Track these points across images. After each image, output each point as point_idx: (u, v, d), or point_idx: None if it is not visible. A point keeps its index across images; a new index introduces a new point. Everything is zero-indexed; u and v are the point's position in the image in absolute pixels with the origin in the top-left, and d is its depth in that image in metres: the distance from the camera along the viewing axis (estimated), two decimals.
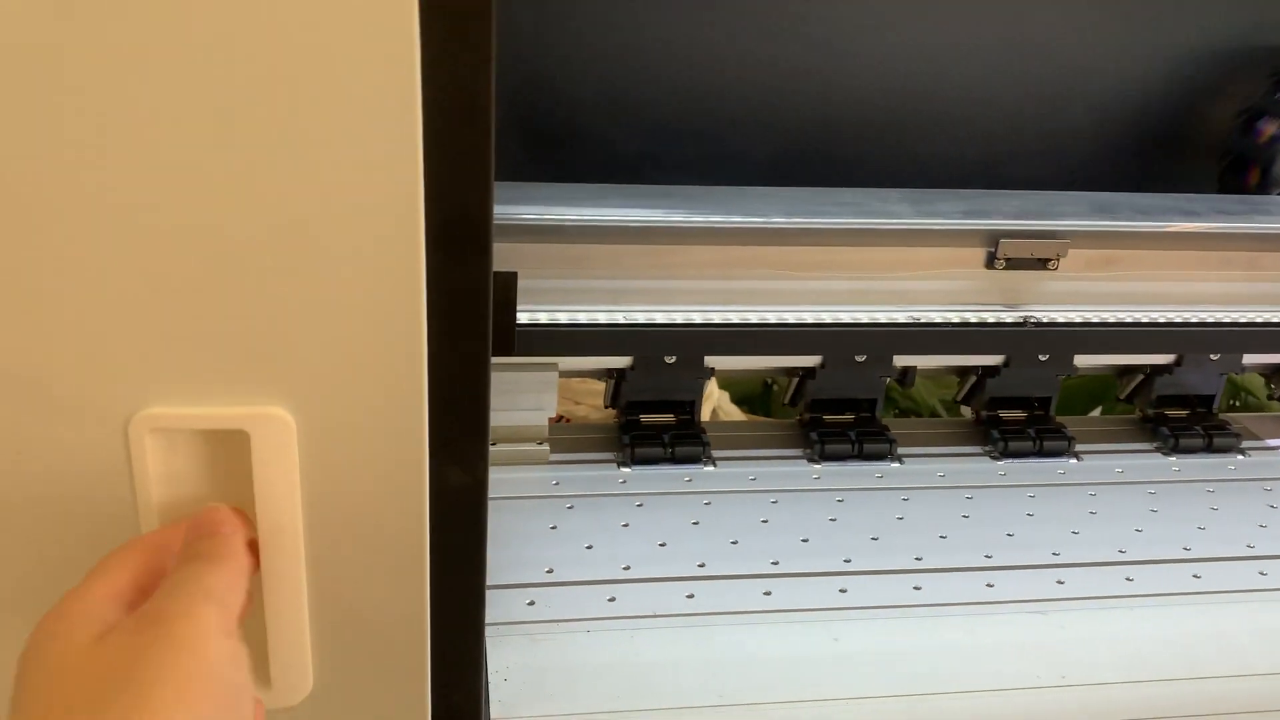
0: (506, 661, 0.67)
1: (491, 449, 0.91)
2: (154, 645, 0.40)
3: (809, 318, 0.91)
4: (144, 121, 0.42)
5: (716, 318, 0.91)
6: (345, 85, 0.43)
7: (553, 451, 0.91)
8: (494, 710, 0.64)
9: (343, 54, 0.42)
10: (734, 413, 1.20)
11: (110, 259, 0.44)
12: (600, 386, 0.98)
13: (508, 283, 0.54)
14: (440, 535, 0.56)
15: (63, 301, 0.45)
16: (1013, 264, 0.92)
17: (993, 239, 0.91)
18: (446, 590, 0.57)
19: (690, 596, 0.75)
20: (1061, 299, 0.94)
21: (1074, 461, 0.95)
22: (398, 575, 0.55)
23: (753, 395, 1.32)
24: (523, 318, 0.86)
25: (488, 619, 0.61)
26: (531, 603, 0.74)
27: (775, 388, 1.34)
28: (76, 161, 0.42)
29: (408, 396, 0.50)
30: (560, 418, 1.10)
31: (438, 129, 0.47)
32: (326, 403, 0.49)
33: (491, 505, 0.56)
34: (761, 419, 1.19)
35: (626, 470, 0.90)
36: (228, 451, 0.49)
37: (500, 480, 0.87)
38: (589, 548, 0.80)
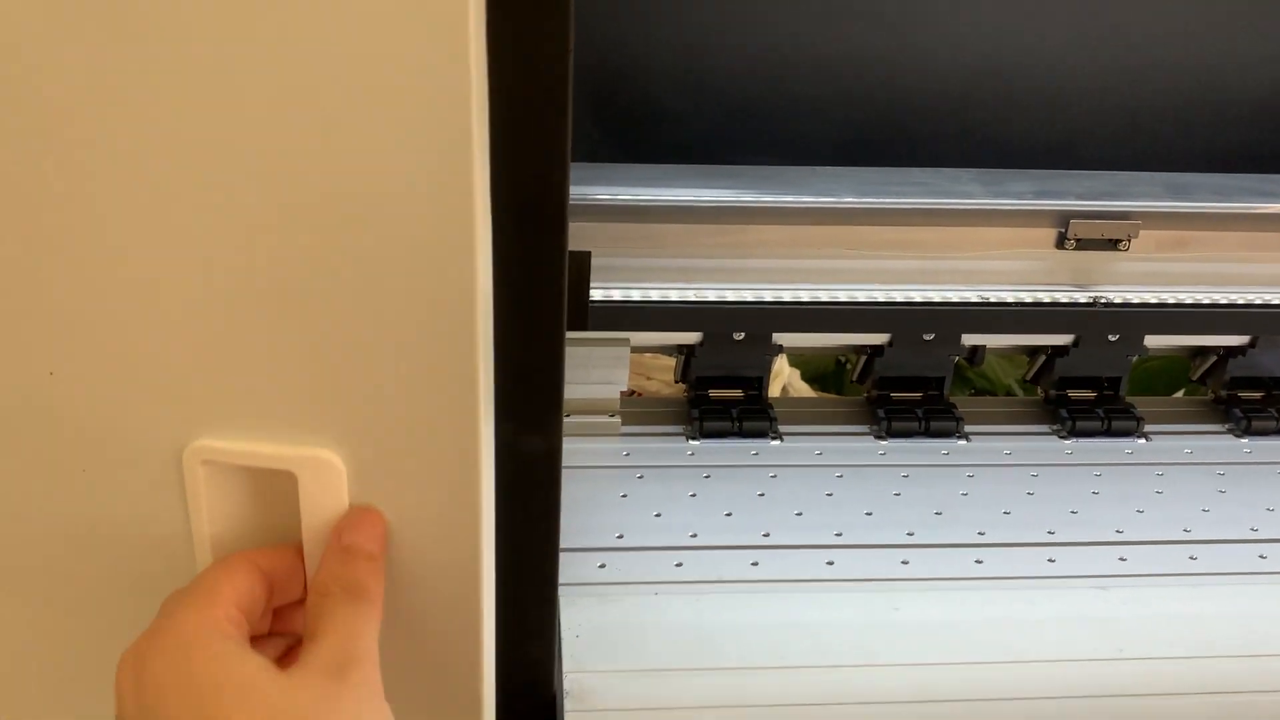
0: (578, 620, 0.71)
1: (565, 420, 0.95)
2: (349, 695, 0.42)
3: (878, 296, 0.93)
4: (201, 155, 0.41)
5: (786, 295, 0.93)
6: (405, 135, 0.42)
7: (624, 424, 0.94)
8: (566, 664, 0.67)
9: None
10: (804, 390, 1.22)
11: (165, 288, 0.44)
12: (671, 362, 1.01)
13: (582, 261, 0.57)
14: (516, 499, 0.59)
15: (122, 329, 0.45)
16: (1083, 244, 0.92)
17: (1063, 219, 0.92)
18: (523, 550, 0.60)
19: (755, 564, 0.78)
20: (1133, 279, 0.94)
21: (1142, 442, 0.96)
22: (453, 616, 0.54)
23: (825, 373, 1.34)
24: (596, 294, 0.90)
25: (561, 580, 0.64)
26: (603, 565, 0.77)
27: (848, 366, 1.35)
28: (131, 193, 0.42)
29: (462, 448, 0.48)
30: (631, 393, 1.14)
31: (515, 110, 0.50)
32: (378, 447, 0.48)
33: (565, 473, 0.59)
34: (828, 396, 1.20)
35: (695, 443, 0.93)
36: (278, 489, 0.49)
37: (573, 450, 0.91)
38: (658, 515, 0.83)
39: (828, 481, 0.89)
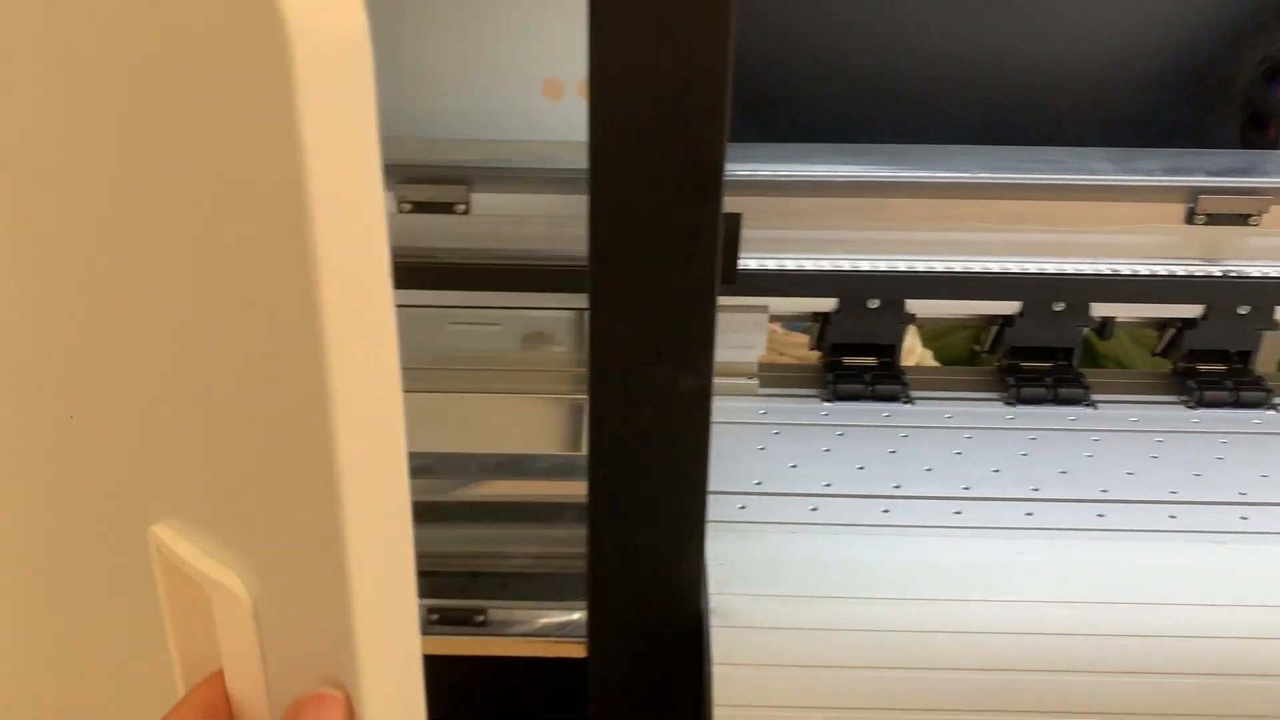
0: (721, 551, 0.78)
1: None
2: None
3: (1010, 267, 0.98)
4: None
5: (919, 266, 0.99)
6: None
7: (761, 386, 1.02)
8: (711, 587, 0.75)
9: None
10: None
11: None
12: (802, 339, 1.08)
13: (733, 223, 0.65)
14: (672, 432, 0.67)
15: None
16: (1213, 219, 0.95)
17: (1192, 195, 0.95)
18: (677, 479, 0.69)
19: (885, 511, 0.84)
20: (1263, 255, 0.97)
21: (1272, 413, 0.98)
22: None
23: (959, 359, 1.38)
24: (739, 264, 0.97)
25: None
26: (743, 507, 0.85)
27: (981, 355, 1.39)
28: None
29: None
30: None
31: (680, 84, 0.58)
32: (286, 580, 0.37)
33: None
34: (959, 367, 1.25)
35: (829, 405, 1.00)
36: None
37: (714, 407, 0.99)
38: (794, 466, 0.90)
39: (957, 441, 0.94)
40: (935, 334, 1.54)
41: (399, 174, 0.95)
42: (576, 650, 0.80)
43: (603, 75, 0.59)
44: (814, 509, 0.85)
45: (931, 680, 0.70)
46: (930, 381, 1.03)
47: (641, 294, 0.63)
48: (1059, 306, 0.99)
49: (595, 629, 0.75)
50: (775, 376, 1.04)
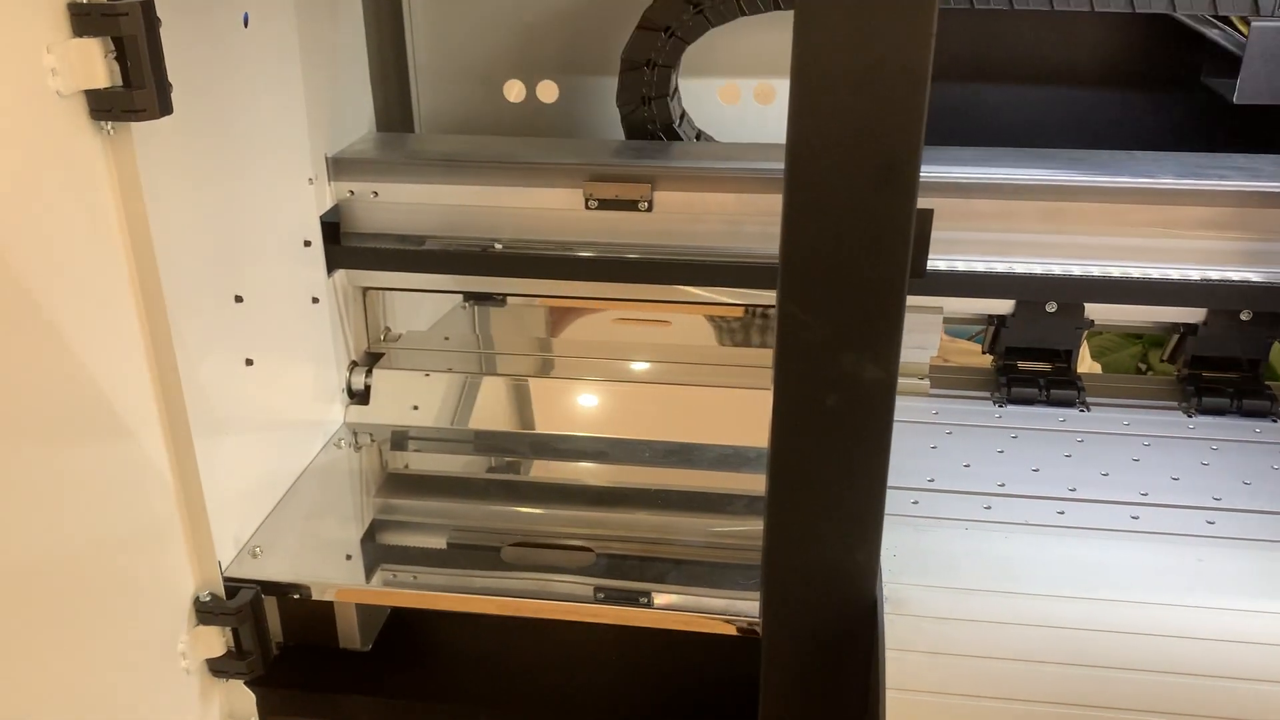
0: (895, 542, 0.80)
1: None
2: None
3: (1193, 275, 0.96)
4: None
5: (1096, 271, 0.98)
6: None
7: (932, 387, 1.02)
8: (884, 576, 0.77)
9: None
10: None
11: None
12: (967, 345, 1.08)
13: (925, 218, 0.67)
14: (855, 420, 0.70)
15: None
16: None
17: None
18: (857, 467, 0.71)
19: (1061, 513, 0.84)
20: None
21: None
22: None
23: (1126, 373, 1.35)
24: None
25: None
26: (915, 502, 0.86)
27: (1148, 372, 1.36)
28: None
29: None
30: None
31: (880, 83, 0.60)
32: None
33: None
34: (1135, 375, 1.23)
35: (1002, 408, 1.00)
36: None
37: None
38: (966, 466, 0.91)
39: (1134, 448, 0.93)
40: (1102, 349, 1.52)
41: (587, 173, 1.00)
42: (723, 628, 0.82)
43: (806, 73, 0.62)
44: (988, 507, 0.86)
45: (1108, 679, 0.70)
46: (1107, 388, 1.02)
47: (832, 284, 0.66)
48: (1246, 315, 0.97)
49: (770, 610, 0.77)
50: (947, 378, 1.04)
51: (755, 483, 1.00)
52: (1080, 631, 0.72)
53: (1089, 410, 0.99)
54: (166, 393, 0.76)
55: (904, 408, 0.99)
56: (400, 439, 1.08)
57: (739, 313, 1.13)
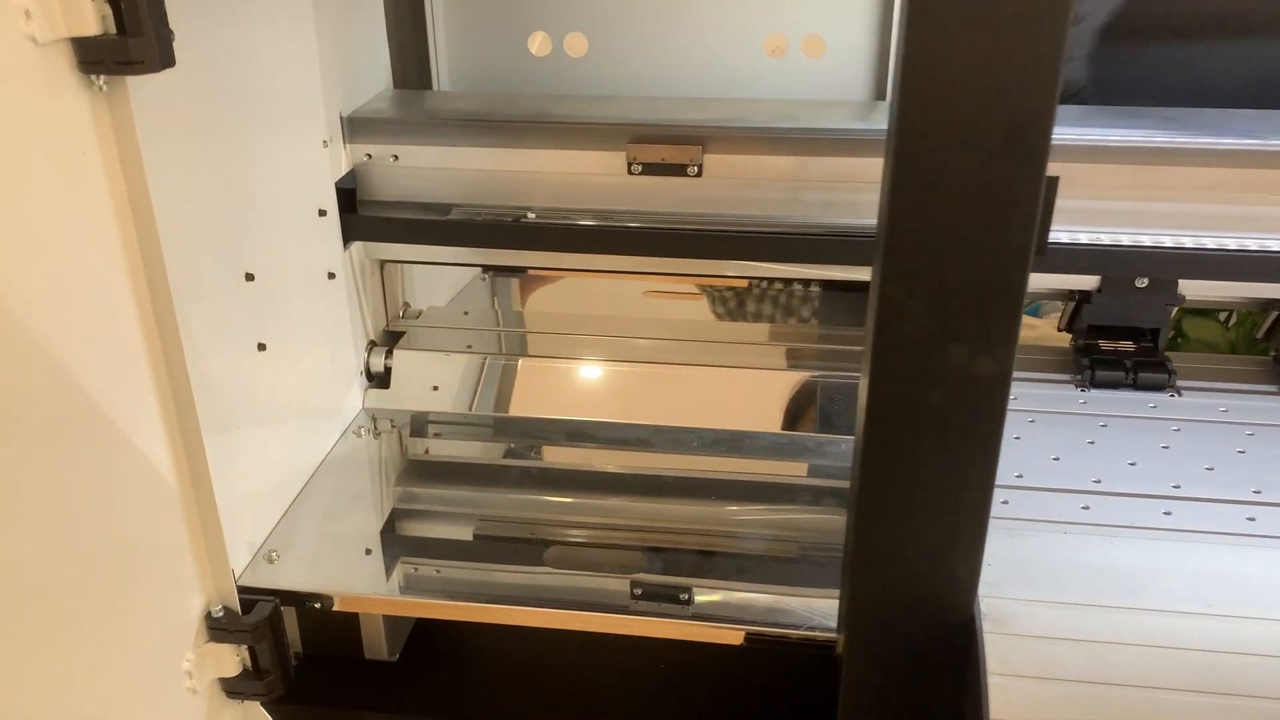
0: (989, 549, 0.71)
1: None
2: None
3: None
4: None
5: (1188, 241, 0.89)
6: None
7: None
8: (981, 589, 0.68)
9: None
10: None
11: None
12: (1035, 320, 0.99)
13: (1052, 186, 0.57)
14: (961, 420, 0.61)
15: None
16: None
17: None
18: (960, 470, 0.62)
19: (1167, 514, 0.76)
20: None
21: None
22: None
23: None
24: None
25: None
26: (1005, 502, 0.77)
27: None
28: None
29: None
30: None
31: (1011, 26, 0.51)
32: None
33: None
34: (1228, 354, 1.14)
35: (1085, 392, 0.91)
36: None
37: None
38: (1056, 459, 0.82)
39: (1237, 438, 0.85)
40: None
41: (630, 134, 0.90)
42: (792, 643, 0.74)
43: (918, 19, 0.52)
44: (1085, 507, 0.77)
45: (1242, 710, 0.62)
46: (1199, 370, 0.93)
47: (943, 263, 0.57)
48: None
49: (853, 625, 0.69)
50: (1023, 359, 0.95)
51: (816, 474, 0.91)
52: (1208, 653, 0.64)
53: (1181, 395, 0.90)
54: (173, 384, 0.67)
55: None
56: (423, 425, 0.99)
57: (795, 289, 1.04)
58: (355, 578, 0.79)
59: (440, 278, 1.22)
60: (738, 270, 0.94)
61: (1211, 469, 0.81)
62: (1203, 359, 0.98)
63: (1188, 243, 0.89)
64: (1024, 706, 0.63)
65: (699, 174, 0.90)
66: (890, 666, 0.70)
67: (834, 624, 0.74)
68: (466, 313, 1.15)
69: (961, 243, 0.57)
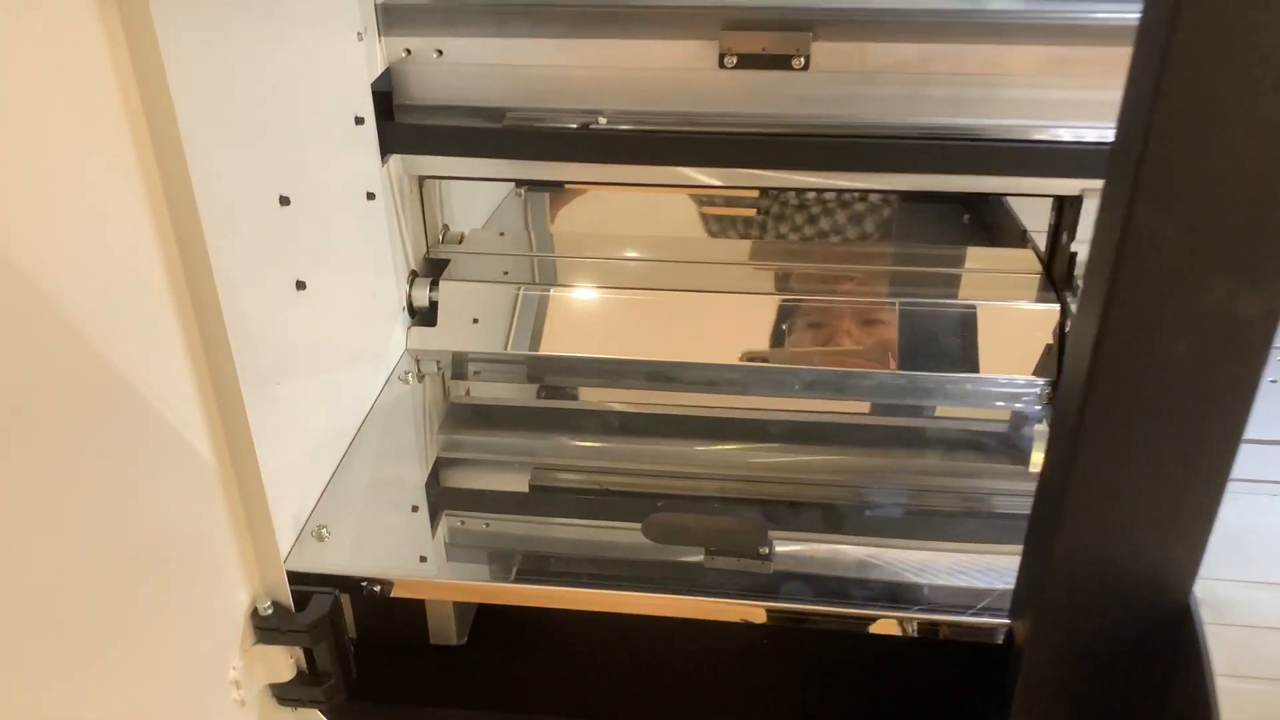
0: None
1: None
2: None
3: None
4: None
5: None
6: None
7: None
8: None
9: None
10: None
11: None
12: None
13: None
14: (1212, 372, 0.48)
15: None
16: None
17: None
18: (1212, 431, 0.50)
19: None
20: None
21: None
22: None
23: None
24: None
25: None
26: None
27: None
28: None
29: None
30: None
31: None
32: None
33: None
34: None
35: None
36: None
37: None
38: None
39: None
40: None
41: (723, 19, 0.76)
42: (945, 631, 0.63)
43: None
44: None
45: None
46: None
47: (1211, 180, 0.44)
48: None
49: (1035, 613, 0.57)
50: None
51: (950, 421, 0.79)
52: None
53: None
54: (205, 338, 0.54)
55: None
56: (473, 366, 0.86)
57: (916, 202, 0.91)
58: (415, 556, 0.67)
59: (477, 194, 1.08)
60: (849, 183, 0.80)
61: None
62: None
63: None
64: (1264, 716, 0.52)
65: (805, 67, 0.76)
66: (1081, 660, 0.58)
67: (996, 607, 0.62)
68: (503, 234, 1.02)
69: (1237, 156, 0.43)
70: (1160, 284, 0.47)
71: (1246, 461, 0.63)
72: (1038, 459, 0.75)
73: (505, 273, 0.90)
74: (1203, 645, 0.55)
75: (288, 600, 0.61)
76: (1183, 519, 0.53)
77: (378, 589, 0.66)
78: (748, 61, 0.76)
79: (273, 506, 0.60)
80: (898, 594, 0.64)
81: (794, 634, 0.70)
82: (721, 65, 0.76)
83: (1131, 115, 0.45)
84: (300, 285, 0.65)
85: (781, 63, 0.76)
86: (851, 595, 0.63)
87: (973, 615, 0.62)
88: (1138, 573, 0.55)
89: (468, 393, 0.84)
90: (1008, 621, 0.61)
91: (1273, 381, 0.73)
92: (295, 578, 0.63)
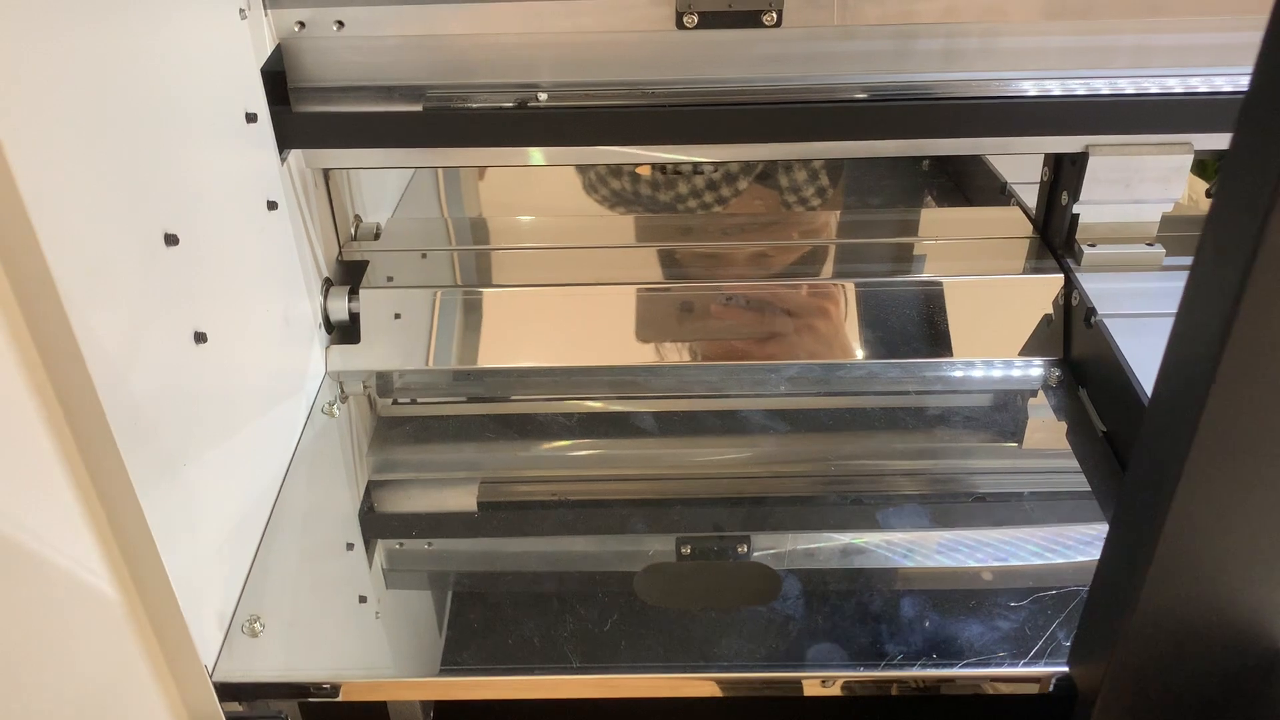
0: None
1: (1090, 251, 0.75)
2: None
3: None
4: None
5: None
6: None
7: (1168, 255, 0.73)
8: None
9: None
10: None
11: None
12: None
13: None
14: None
15: None
16: None
17: None
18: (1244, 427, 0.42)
19: None
20: None
21: None
22: None
23: None
24: (1151, 84, 0.68)
25: None
26: None
27: None
28: None
29: None
30: None
31: None
32: None
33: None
34: None
35: None
36: None
37: (1104, 291, 0.71)
38: None
39: None
40: None
41: None
42: (1008, 686, 0.55)
43: None
44: None
45: None
46: None
47: None
48: None
49: (1112, 660, 0.50)
50: (1191, 237, 0.75)
51: (950, 415, 0.71)
52: None
53: None
54: (80, 435, 0.42)
55: (1130, 293, 0.71)
56: (404, 381, 0.75)
57: (911, 166, 0.81)
58: (369, 640, 0.56)
59: (386, 172, 0.95)
60: (834, 153, 0.70)
61: None
62: None
63: None
64: None
65: (777, 23, 0.65)
66: (1158, 712, 0.51)
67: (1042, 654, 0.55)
68: (425, 219, 0.90)
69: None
70: None
71: None
72: (1042, 443, 0.68)
73: (424, 254, 0.79)
74: None
75: None
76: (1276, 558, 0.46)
77: (326, 689, 0.55)
78: (711, 20, 0.65)
79: (188, 612, 0.48)
80: (938, 641, 0.55)
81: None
82: (680, 25, 0.65)
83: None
84: (200, 338, 0.52)
85: (750, 19, 0.65)
86: (888, 651, 0.55)
87: (1025, 665, 0.54)
88: (1230, 619, 0.48)
89: (402, 413, 0.73)
90: (1064, 669, 0.54)
91: None
92: (229, 691, 0.52)
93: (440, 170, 1.03)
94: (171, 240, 0.49)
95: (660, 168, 0.95)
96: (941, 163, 1.00)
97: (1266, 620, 0.48)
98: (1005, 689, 0.55)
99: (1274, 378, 0.40)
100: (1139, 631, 0.48)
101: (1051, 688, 0.55)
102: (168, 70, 0.51)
